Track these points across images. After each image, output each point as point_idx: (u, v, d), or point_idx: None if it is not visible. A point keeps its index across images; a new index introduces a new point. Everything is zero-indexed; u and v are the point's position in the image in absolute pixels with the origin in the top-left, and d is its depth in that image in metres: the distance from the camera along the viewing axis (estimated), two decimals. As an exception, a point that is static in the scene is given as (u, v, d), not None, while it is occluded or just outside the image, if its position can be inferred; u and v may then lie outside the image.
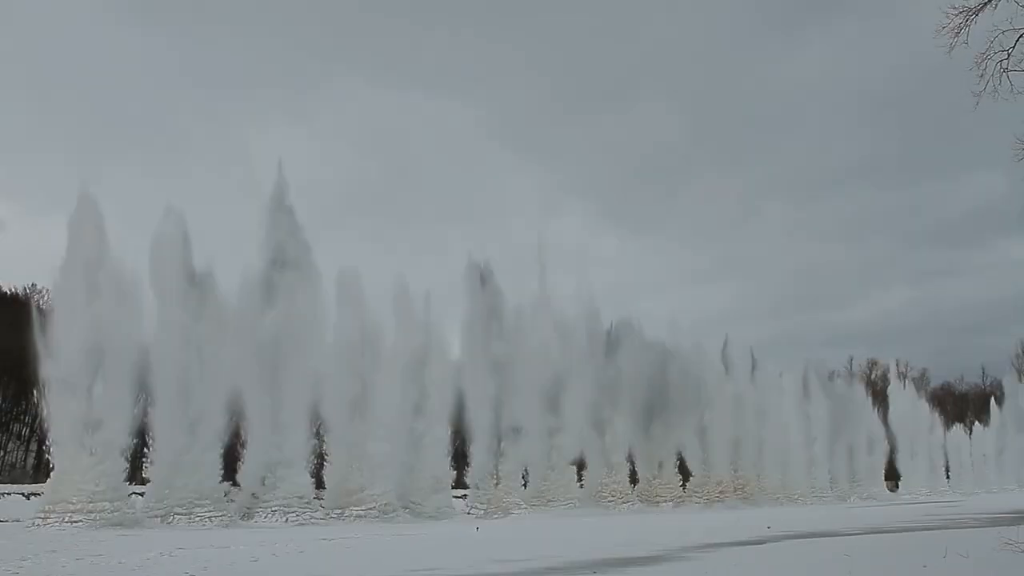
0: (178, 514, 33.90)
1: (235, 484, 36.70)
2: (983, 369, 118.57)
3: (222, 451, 35.98)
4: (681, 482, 56.30)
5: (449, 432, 44.70)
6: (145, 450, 34.81)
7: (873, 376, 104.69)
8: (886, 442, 77.45)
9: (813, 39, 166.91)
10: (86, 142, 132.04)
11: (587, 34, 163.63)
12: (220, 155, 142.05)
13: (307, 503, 37.15)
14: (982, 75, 13.81)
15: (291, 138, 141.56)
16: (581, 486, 50.34)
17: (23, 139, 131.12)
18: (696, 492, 56.87)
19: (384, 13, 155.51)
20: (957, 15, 13.68)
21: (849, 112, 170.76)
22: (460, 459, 46.69)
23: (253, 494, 36.56)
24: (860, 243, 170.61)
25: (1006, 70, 13.77)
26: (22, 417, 60.31)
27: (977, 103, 13.82)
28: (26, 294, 63.37)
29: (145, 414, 34.69)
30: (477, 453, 46.29)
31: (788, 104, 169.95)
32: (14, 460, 59.63)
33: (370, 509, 38.77)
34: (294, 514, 35.97)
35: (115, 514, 31.95)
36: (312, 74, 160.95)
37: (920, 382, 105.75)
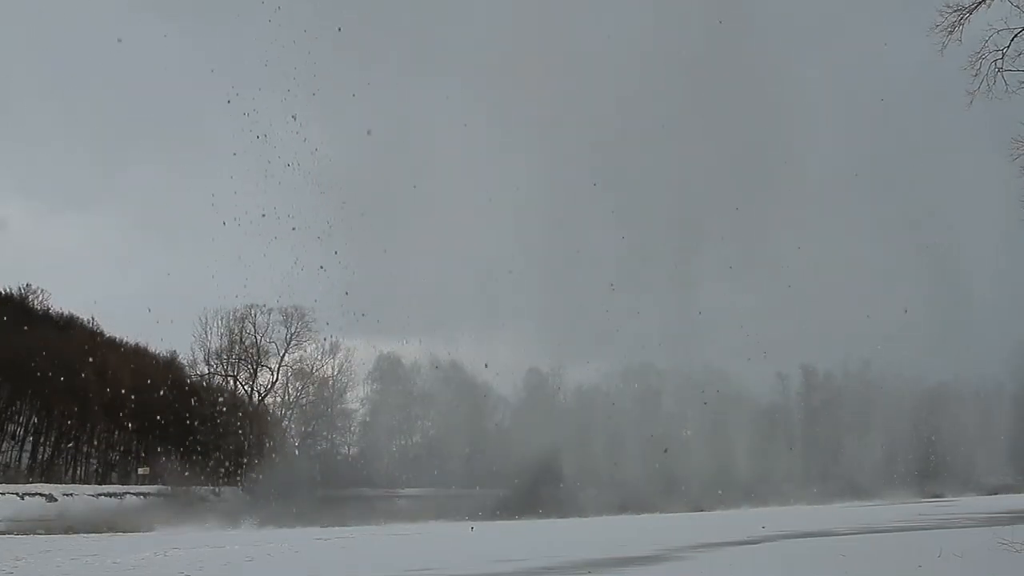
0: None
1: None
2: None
3: None
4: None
5: None
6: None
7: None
8: None
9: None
10: (108, 138, 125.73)
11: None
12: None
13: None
14: (976, 74, 13.83)
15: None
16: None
17: (39, 135, 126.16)
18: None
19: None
20: (951, 13, 13.69)
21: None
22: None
23: None
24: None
25: (1001, 70, 13.79)
26: (17, 417, 60.06)
27: (971, 102, 13.85)
28: (21, 294, 63.13)
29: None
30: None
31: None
32: (8, 460, 59.38)
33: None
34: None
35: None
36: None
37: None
